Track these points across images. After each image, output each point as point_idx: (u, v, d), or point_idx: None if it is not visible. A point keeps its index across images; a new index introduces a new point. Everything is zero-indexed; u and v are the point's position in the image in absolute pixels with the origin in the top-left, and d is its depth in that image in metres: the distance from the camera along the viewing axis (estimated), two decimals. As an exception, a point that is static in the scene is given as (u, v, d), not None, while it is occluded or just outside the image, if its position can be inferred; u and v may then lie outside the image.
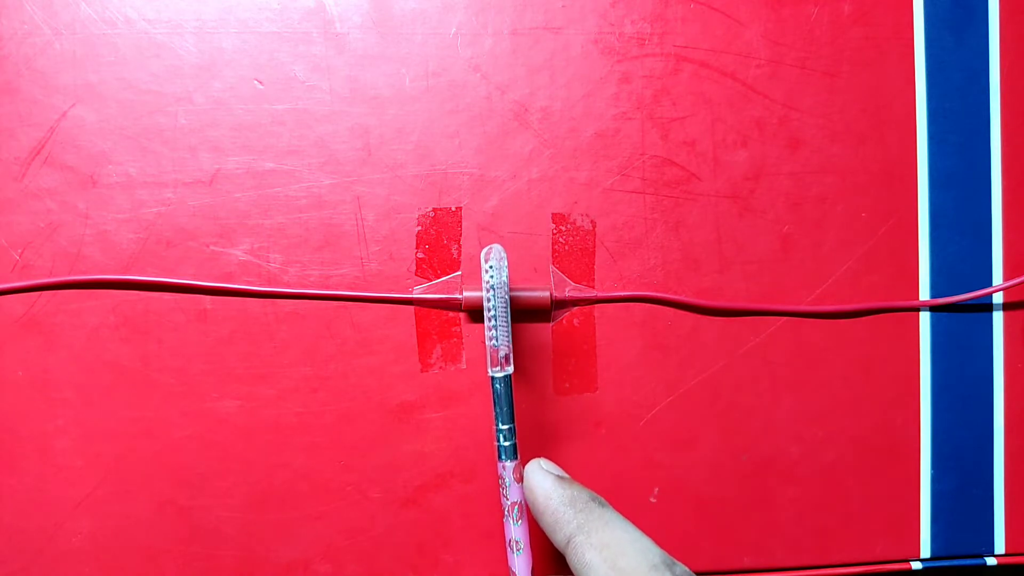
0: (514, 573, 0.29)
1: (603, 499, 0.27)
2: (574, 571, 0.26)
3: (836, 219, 0.34)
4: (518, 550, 0.28)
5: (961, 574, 0.36)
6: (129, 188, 0.31)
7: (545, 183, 0.33)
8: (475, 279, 0.32)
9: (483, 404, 0.32)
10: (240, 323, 0.32)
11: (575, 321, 0.33)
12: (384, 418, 0.32)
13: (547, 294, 0.32)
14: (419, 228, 0.32)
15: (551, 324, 0.33)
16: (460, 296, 0.32)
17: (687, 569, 0.25)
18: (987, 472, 0.35)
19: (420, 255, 0.32)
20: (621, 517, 0.26)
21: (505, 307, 0.28)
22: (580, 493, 0.27)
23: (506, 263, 0.29)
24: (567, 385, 0.33)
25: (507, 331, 0.28)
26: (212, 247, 0.32)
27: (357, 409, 0.32)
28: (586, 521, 0.26)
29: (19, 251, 0.31)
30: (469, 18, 0.33)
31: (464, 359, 0.32)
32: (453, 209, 0.32)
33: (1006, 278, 0.35)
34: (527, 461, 0.29)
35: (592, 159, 0.33)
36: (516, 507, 0.29)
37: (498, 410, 0.29)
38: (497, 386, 0.29)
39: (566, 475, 0.28)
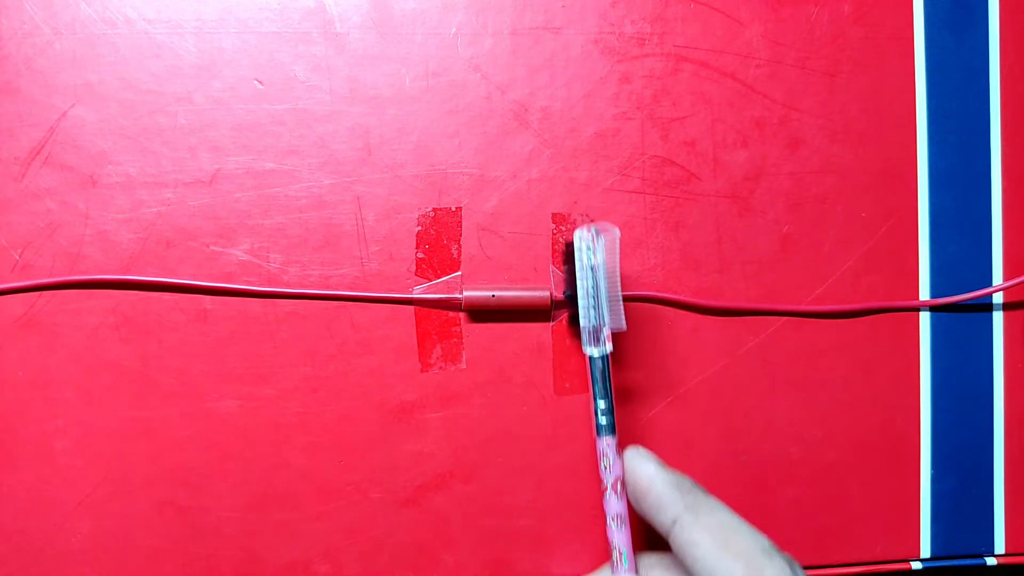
0: (617, 548, 0.29)
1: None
2: (678, 552, 0.26)
3: (836, 219, 0.34)
4: (622, 524, 0.29)
5: (961, 574, 0.36)
6: (129, 188, 0.31)
7: (545, 183, 0.33)
8: (475, 279, 0.32)
9: (483, 404, 0.32)
10: (240, 323, 0.32)
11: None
12: (384, 418, 0.32)
13: (547, 294, 0.32)
14: (419, 228, 0.32)
15: (551, 324, 0.33)
16: (460, 296, 0.32)
17: (791, 557, 0.25)
18: (987, 472, 0.35)
19: (420, 255, 0.32)
20: (725, 504, 0.27)
21: (601, 287, 0.29)
22: (684, 478, 0.28)
23: (604, 243, 0.29)
24: (567, 385, 0.33)
25: (604, 310, 0.29)
26: (212, 247, 0.32)
27: (357, 409, 0.32)
28: (694, 503, 0.26)
29: (19, 251, 0.31)
30: (469, 18, 0.33)
31: (464, 359, 0.32)
32: (453, 209, 0.32)
33: (1006, 278, 0.35)
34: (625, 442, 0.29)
35: (592, 159, 0.33)
36: (619, 482, 0.29)
37: (595, 388, 0.30)
38: (594, 364, 0.30)
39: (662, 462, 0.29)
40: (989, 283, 0.34)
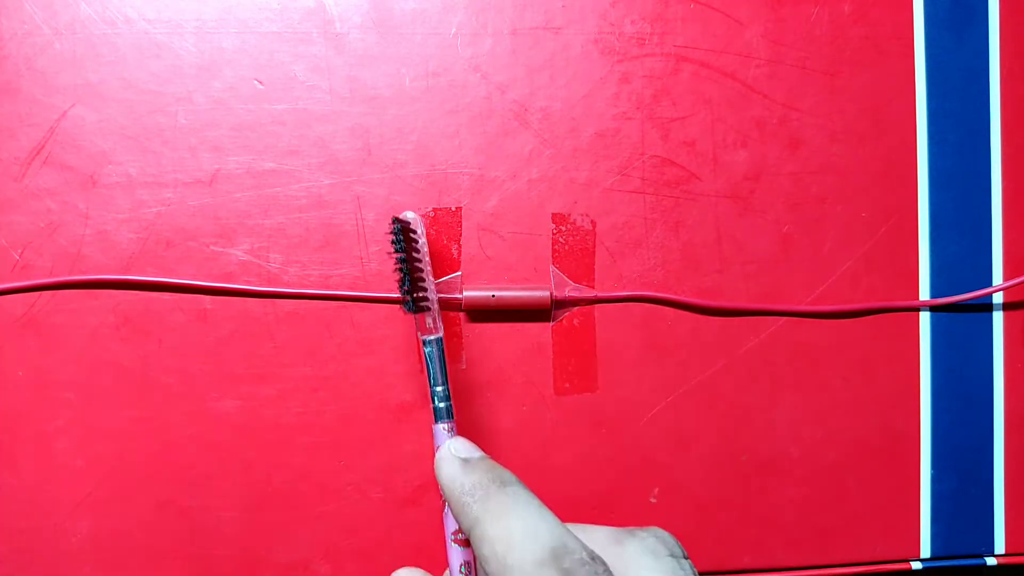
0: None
1: (511, 476, 0.25)
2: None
3: (836, 219, 0.34)
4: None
5: (961, 574, 0.36)
6: (129, 188, 0.31)
7: (545, 183, 0.33)
8: (475, 279, 0.32)
9: (483, 404, 0.32)
10: (240, 323, 0.32)
11: (575, 321, 0.33)
12: (384, 418, 0.32)
13: (547, 294, 0.32)
14: (419, 228, 0.32)
15: (551, 324, 0.33)
16: (460, 296, 0.32)
17: (585, 556, 0.22)
18: (987, 472, 0.35)
19: (420, 255, 0.32)
20: (524, 498, 0.24)
21: (428, 270, 0.29)
22: (483, 476, 0.25)
23: (413, 228, 0.29)
24: (567, 385, 0.33)
25: (433, 293, 0.29)
26: (212, 247, 0.32)
27: (357, 409, 0.32)
28: (482, 512, 0.24)
29: (19, 251, 0.31)
30: (469, 18, 0.33)
31: (464, 359, 0.32)
32: (453, 209, 0.32)
33: (1006, 278, 0.35)
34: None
35: (592, 159, 0.33)
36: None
37: (432, 373, 0.28)
38: (432, 348, 0.28)
39: (477, 453, 0.26)
40: (989, 283, 0.34)
